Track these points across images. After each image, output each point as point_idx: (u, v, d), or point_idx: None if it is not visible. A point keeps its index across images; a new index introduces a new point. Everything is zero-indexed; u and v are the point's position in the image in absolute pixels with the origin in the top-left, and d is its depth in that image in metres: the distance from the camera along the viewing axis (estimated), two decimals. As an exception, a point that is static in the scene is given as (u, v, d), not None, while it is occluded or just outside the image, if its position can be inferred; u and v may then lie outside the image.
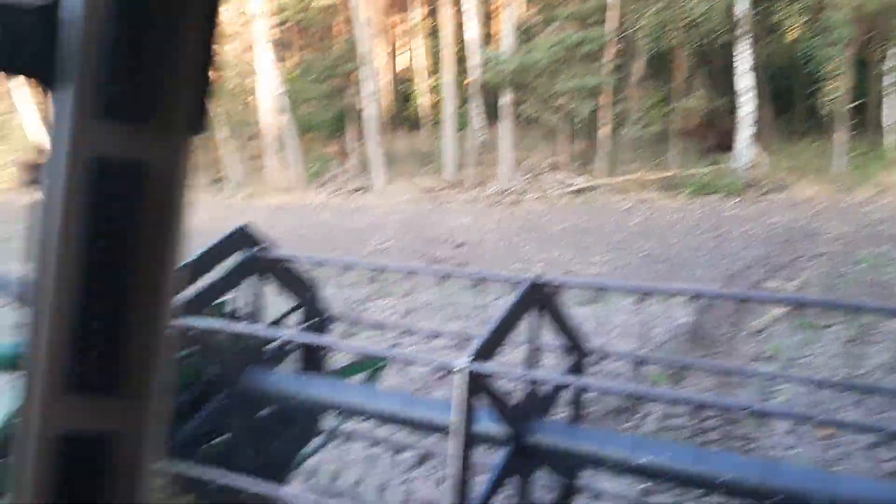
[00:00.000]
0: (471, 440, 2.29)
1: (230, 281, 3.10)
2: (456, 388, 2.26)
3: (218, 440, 3.06)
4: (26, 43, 0.39)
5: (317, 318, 3.40)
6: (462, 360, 2.26)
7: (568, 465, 2.91)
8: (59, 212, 0.40)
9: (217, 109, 21.69)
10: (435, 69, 22.14)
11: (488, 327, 2.46)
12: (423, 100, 23.70)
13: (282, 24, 21.86)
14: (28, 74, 0.40)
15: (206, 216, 19.63)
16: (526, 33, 18.02)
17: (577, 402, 3.09)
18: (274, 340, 3.11)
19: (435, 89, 22.48)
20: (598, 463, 2.52)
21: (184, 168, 0.42)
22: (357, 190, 20.28)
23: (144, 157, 0.40)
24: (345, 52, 21.05)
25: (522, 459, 2.53)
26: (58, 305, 0.41)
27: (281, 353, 3.23)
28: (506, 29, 18.08)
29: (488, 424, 2.44)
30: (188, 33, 0.41)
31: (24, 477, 0.42)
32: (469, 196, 18.43)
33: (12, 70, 0.40)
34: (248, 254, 3.21)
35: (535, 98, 17.30)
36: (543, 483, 2.92)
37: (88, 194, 0.39)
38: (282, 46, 22.19)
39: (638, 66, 17.87)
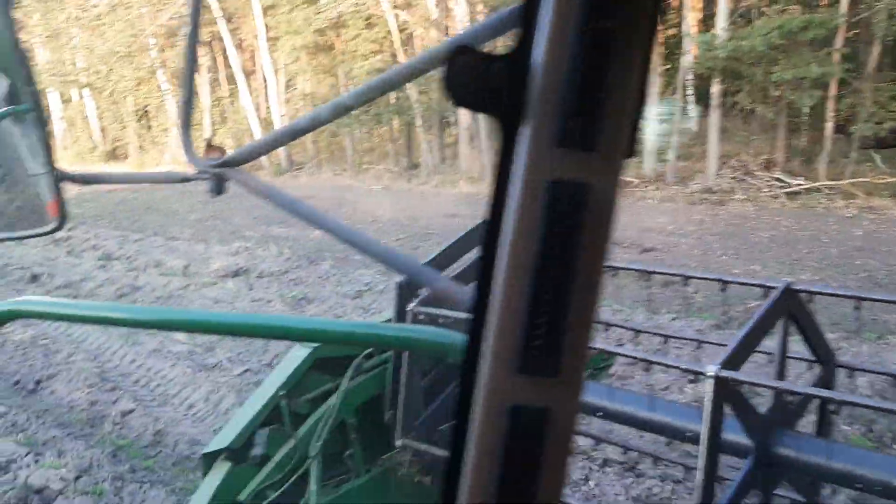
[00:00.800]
0: (717, 448, 2.29)
1: (468, 274, 3.12)
2: (706, 395, 2.23)
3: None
4: (495, 85, 0.47)
5: None
6: (713, 366, 2.22)
7: (813, 481, 2.84)
8: (514, 224, 0.49)
9: (415, 95, 21.89)
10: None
11: (739, 333, 2.41)
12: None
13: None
14: (491, 111, 0.48)
15: (396, 202, 20.09)
16: (744, 16, 16.36)
17: (824, 417, 2.95)
18: None
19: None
20: (847, 481, 2.42)
21: (619, 188, 0.49)
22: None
23: (589, 179, 0.48)
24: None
25: (766, 471, 2.50)
26: (509, 302, 0.50)
27: None
28: (721, 10, 16.46)
29: (733, 433, 2.40)
30: (633, 68, 0.47)
31: (475, 442, 0.52)
32: (668, 193, 17.07)
33: (478, 107, 0.48)
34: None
35: (750, 88, 15.65)
36: (786, 498, 2.88)
37: (542, 211, 0.48)
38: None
39: (873, 55, 15.69)
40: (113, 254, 14.05)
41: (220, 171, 1.06)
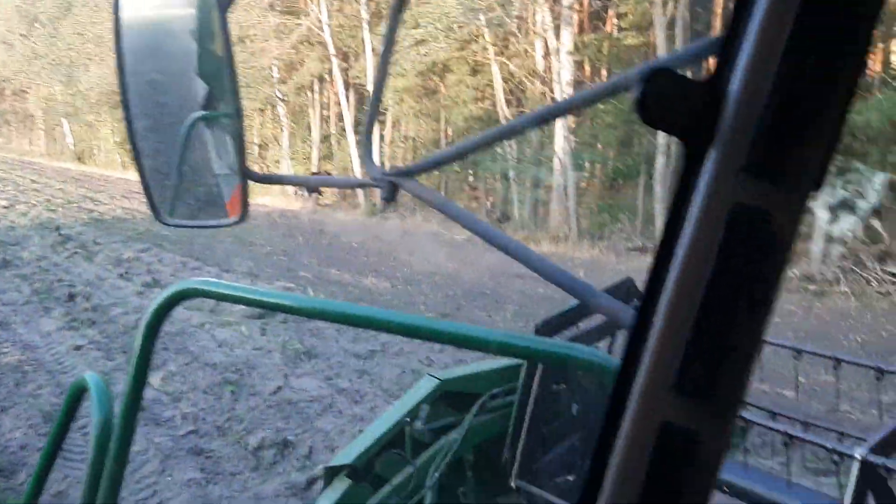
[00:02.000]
0: None
1: (603, 329, 3.14)
2: (851, 479, 2.09)
3: (568, 478, 3.19)
4: (689, 108, 0.48)
5: None
6: (861, 449, 2.08)
7: None
8: (689, 245, 0.49)
9: (508, 146, 21.11)
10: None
11: (894, 422, 2.26)
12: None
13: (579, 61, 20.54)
14: (681, 133, 0.48)
15: (469, 254, 19.33)
16: (863, 87, 14.54)
17: None
18: None
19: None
20: None
21: (800, 218, 0.49)
22: (634, 249, 18.11)
23: (771, 207, 0.47)
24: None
25: None
26: (673, 320, 0.49)
27: None
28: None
29: None
30: (833, 102, 0.47)
31: (620, 455, 0.52)
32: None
33: (669, 128, 0.48)
34: (621, 280, 3.30)
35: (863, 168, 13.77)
36: None
37: (720, 234, 0.47)
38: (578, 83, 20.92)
39: None
40: (161, 280, 13.93)
41: (395, 180, 1.01)
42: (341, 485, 2.69)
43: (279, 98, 30.83)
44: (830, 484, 2.41)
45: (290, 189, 28.49)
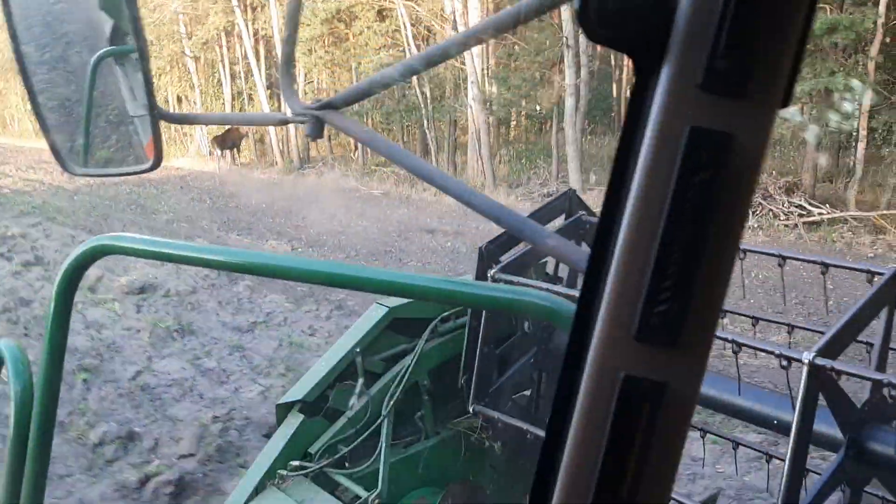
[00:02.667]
0: (808, 440, 2.25)
1: None
2: (802, 383, 2.16)
3: (524, 394, 3.21)
4: (636, 21, 0.44)
5: None
6: (808, 353, 2.13)
7: None
8: (644, 174, 0.44)
9: (427, 93, 20.39)
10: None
11: (840, 321, 2.32)
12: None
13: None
14: (629, 51, 0.45)
15: (383, 209, 18.77)
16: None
17: None
18: None
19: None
20: None
21: (766, 139, 0.45)
22: (549, 196, 17.74)
23: (732, 128, 0.43)
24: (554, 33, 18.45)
25: (857, 467, 2.41)
26: (631, 260, 0.45)
27: None
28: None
29: (825, 426, 2.34)
30: (794, 5, 0.43)
31: (581, 410, 0.48)
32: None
33: (616, 44, 0.45)
34: (572, 218, 3.28)
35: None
36: (877, 496, 2.65)
37: (678, 160, 0.43)
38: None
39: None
40: (44, 258, 13.07)
41: (319, 114, 0.95)
42: (294, 420, 2.67)
43: (187, 55, 29.39)
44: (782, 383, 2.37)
45: (205, 149, 27.33)
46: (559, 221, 3.40)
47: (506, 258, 2.93)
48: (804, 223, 13.52)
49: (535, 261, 3.13)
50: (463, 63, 18.62)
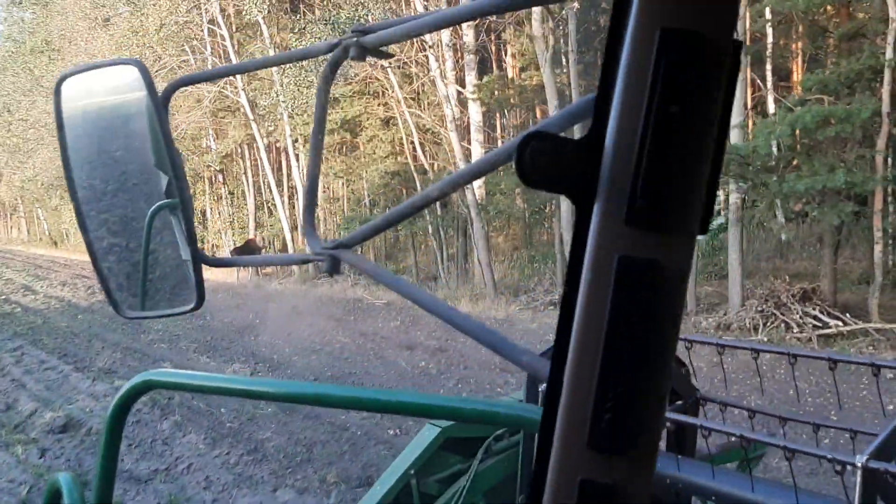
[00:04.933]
0: None
1: None
2: (857, 488, 2.03)
3: None
4: (568, 166, 0.49)
5: (687, 396, 3.03)
6: (862, 456, 2.00)
7: None
8: (585, 299, 0.49)
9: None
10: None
11: (892, 423, 2.19)
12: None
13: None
14: (565, 192, 0.50)
15: (378, 323, 17.84)
16: (759, 107, 12.94)
17: None
18: None
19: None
20: None
21: (688, 263, 0.49)
22: (552, 305, 16.51)
23: (657, 256, 0.48)
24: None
25: None
26: (580, 376, 0.50)
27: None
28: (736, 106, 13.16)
29: None
30: (704, 148, 0.48)
31: None
32: (690, 325, 13.60)
33: (551, 188, 0.50)
34: None
35: (765, 197, 12.14)
36: None
37: (611, 286, 0.48)
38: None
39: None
40: (-5, 387, 12.49)
41: (335, 253, 1.05)
42: None
43: (214, 168, 29.75)
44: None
45: (231, 260, 27.14)
46: None
47: None
48: (818, 336, 11.91)
49: None
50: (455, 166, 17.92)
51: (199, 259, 1.28)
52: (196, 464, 8.52)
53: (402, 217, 1.00)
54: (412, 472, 2.83)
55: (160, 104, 1.22)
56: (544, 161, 0.48)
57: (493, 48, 20.52)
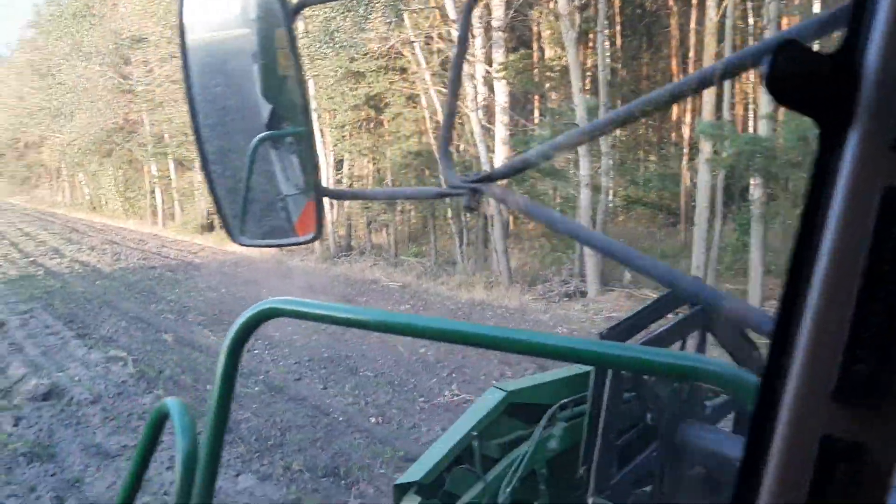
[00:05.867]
0: None
1: (672, 334, 3.01)
2: None
3: (645, 490, 3.13)
4: (822, 84, 0.45)
5: None
6: None
7: None
8: (836, 235, 0.45)
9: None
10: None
11: None
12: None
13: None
14: (813, 113, 0.46)
15: (406, 307, 17.47)
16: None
17: None
18: (716, 396, 3.15)
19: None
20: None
21: None
22: (566, 296, 15.98)
23: None
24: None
25: None
26: (826, 322, 0.45)
27: (722, 410, 3.24)
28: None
29: None
30: None
31: (775, 473, 0.48)
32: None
33: (801, 107, 0.46)
34: (694, 309, 3.12)
35: (790, 193, 11.44)
36: None
37: (872, 220, 0.44)
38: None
39: None
40: (-5, 351, 12.46)
41: (476, 186, 0.98)
42: (411, 502, 2.64)
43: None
44: None
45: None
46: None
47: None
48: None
49: (663, 346, 2.95)
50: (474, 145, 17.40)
51: (321, 191, 1.23)
52: (168, 441, 8.25)
53: (551, 153, 0.93)
54: (474, 433, 2.77)
55: (291, 24, 1.18)
56: (797, 75, 0.43)
57: (523, 26, 19.89)
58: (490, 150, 17.50)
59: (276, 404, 9.47)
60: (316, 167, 1.27)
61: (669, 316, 3.25)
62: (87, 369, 11.11)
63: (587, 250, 15.46)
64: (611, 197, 18.31)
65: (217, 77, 1.40)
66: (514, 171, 1.06)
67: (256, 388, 10.12)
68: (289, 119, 1.31)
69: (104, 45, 33.72)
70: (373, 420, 8.88)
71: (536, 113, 21.48)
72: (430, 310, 15.89)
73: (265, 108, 1.29)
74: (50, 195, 75.38)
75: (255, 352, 12.29)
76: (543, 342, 1.01)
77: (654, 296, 13.09)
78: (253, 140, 1.29)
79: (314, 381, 10.63)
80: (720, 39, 13.95)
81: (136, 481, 1.54)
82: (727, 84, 13.59)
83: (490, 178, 0.97)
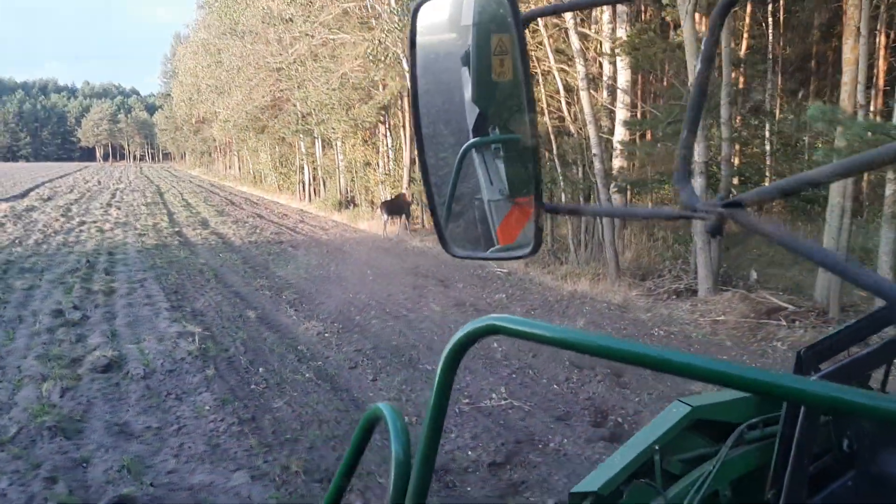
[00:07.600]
0: None
1: (879, 355, 2.55)
2: None
3: None
4: None
5: None
6: None
7: None
8: None
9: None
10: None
11: None
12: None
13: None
14: None
15: (500, 295, 16.72)
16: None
17: None
18: None
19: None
20: None
21: None
22: (675, 294, 14.58)
23: None
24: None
25: None
26: None
27: None
28: None
29: None
30: None
31: None
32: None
33: None
34: None
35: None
36: None
37: None
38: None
39: None
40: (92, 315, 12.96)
41: (725, 212, 0.90)
42: None
43: (380, 120, 29.75)
44: None
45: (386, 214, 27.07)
46: None
47: (826, 367, 2.55)
48: None
49: (866, 370, 2.67)
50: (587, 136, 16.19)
51: (542, 204, 1.20)
52: (189, 426, 8.05)
53: (822, 180, 0.83)
54: (656, 447, 2.65)
55: (521, 32, 1.16)
56: None
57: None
58: (601, 131, 16.25)
59: (317, 394, 9.05)
60: (539, 179, 1.22)
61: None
62: (158, 343, 11.23)
63: (699, 243, 13.99)
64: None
65: (435, 82, 1.39)
66: (769, 198, 0.95)
67: (308, 375, 9.76)
68: (500, 125, 1.30)
69: (255, 24, 34.98)
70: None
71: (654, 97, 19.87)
72: (524, 300, 15.04)
73: (472, 113, 1.30)
74: (223, 169, 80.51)
75: (328, 334, 11.99)
76: (728, 372, 0.87)
77: (773, 298, 11.53)
78: (463, 146, 1.30)
79: (366, 371, 10.14)
80: None
81: (344, 482, 1.50)
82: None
83: (739, 203, 0.88)
